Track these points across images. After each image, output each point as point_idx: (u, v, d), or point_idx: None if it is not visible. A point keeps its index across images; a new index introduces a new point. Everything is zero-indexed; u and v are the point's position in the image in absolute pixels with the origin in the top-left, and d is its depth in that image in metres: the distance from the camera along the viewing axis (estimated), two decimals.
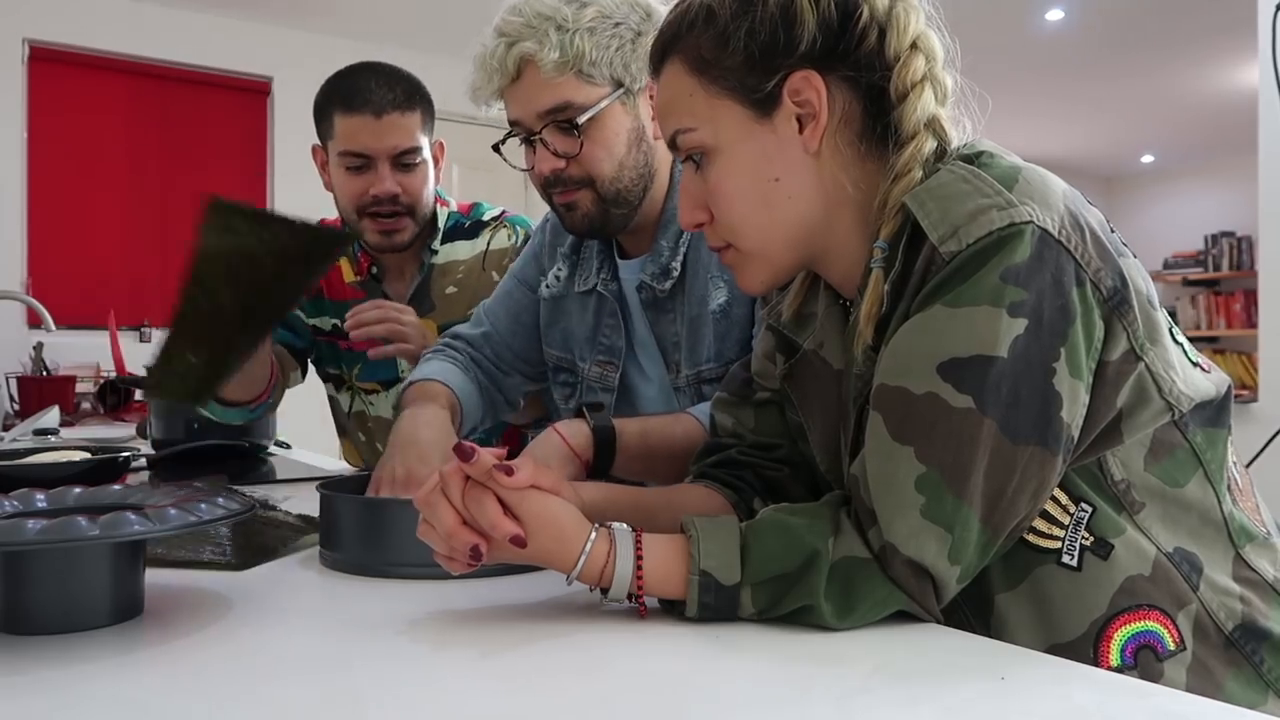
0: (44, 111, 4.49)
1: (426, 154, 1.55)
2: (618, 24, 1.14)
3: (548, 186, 1.19)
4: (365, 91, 1.47)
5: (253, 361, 1.38)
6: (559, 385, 1.38)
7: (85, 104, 4.59)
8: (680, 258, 1.21)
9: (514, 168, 1.23)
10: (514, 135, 1.20)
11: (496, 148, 1.22)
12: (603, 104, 1.15)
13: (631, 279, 1.28)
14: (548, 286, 1.36)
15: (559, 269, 1.35)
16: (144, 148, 4.73)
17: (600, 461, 1.09)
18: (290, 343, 1.69)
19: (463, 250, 1.65)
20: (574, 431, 1.08)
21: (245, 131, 4.94)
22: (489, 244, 1.66)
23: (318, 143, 1.58)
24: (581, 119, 1.14)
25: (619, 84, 1.15)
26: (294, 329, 1.70)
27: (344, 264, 1.68)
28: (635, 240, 1.28)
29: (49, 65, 4.49)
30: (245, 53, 4.86)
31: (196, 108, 4.85)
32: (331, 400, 1.81)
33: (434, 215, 1.63)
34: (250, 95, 4.89)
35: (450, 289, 1.64)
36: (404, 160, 1.51)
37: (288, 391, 1.70)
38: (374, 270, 1.65)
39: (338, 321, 1.66)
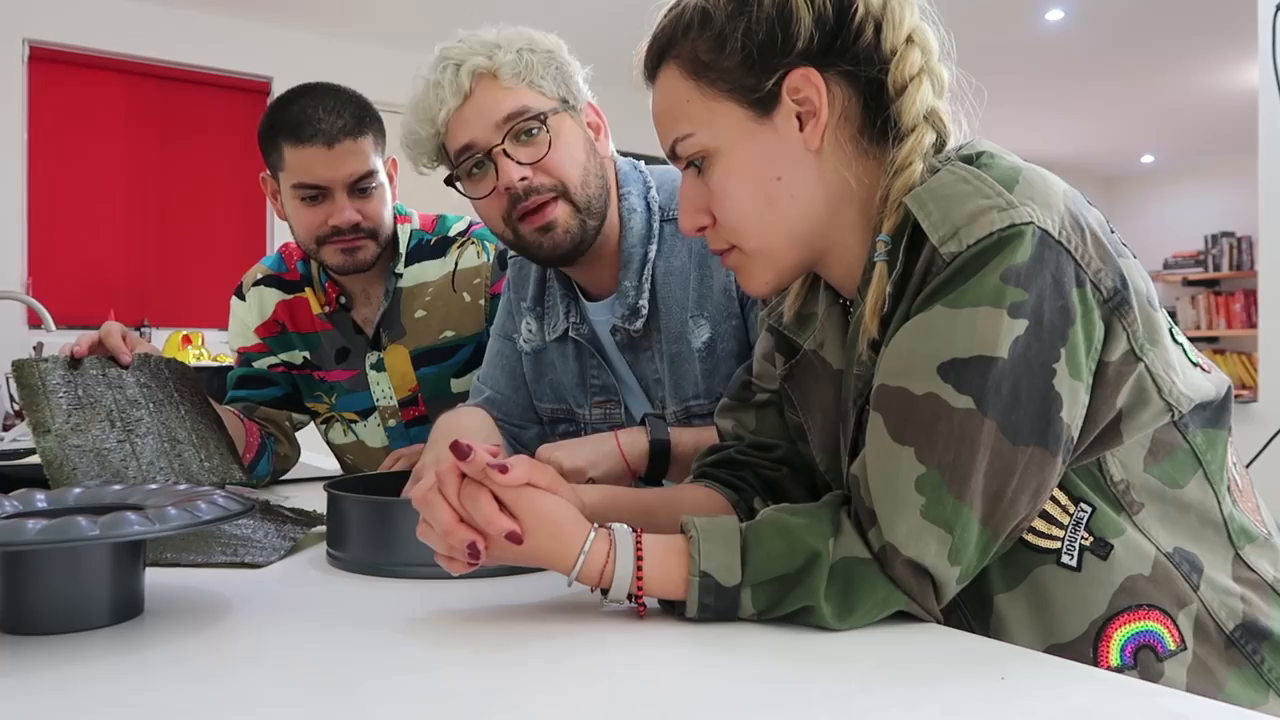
0: (44, 111, 4.49)
1: (382, 176, 1.50)
2: (549, 50, 1.20)
3: (516, 202, 1.16)
4: (314, 120, 1.41)
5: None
6: (561, 437, 1.36)
7: (85, 104, 4.59)
8: (647, 295, 1.22)
9: (466, 196, 1.20)
10: (467, 160, 1.17)
11: (450, 182, 1.20)
12: (557, 110, 1.18)
13: (603, 321, 1.27)
14: (525, 341, 1.35)
15: (528, 324, 1.34)
16: (144, 147, 4.73)
17: (654, 470, 1.15)
18: (264, 397, 1.65)
19: (431, 270, 1.59)
20: (631, 442, 1.14)
21: (245, 131, 4.93)
22: (457, 263, 1.59)
23: (266, 173, 1.53)
24: (545, 118, 1.16)
25: (563, 100, 1.19)
26: (261, 381, 1.65)
27: (310, 296, 1.63)
28: (596, 276, 1.27)
29: (49, 65, 4.49)
30: (245, 53, 4.86)
31: (196, 108, 4.85)
32: (329, 445, 1.76)
33: (395, 235, 1.57)
34: (250, 95, 4.89)
35: (420, 312, 1.58)
36: (361, 186, 1.46)
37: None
38: (342, 300, 1.60)
39: (307, 354, 1.64)
